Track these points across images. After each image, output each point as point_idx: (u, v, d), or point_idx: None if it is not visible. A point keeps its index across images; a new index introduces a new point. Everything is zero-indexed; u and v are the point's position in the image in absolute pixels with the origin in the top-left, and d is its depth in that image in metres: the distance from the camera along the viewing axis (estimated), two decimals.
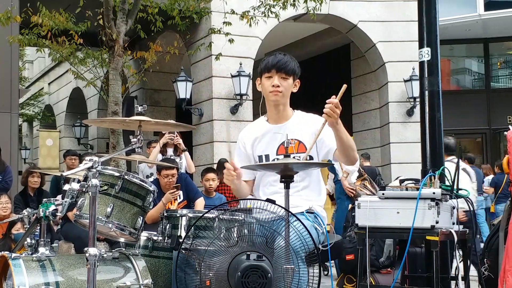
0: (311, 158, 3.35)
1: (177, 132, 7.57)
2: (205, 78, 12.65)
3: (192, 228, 3.32)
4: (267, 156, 3.40)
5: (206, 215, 3.31)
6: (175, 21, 9.73)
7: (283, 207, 2.92)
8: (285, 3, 9.30)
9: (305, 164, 3.25)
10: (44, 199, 3.52)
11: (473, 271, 4.35)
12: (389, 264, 6.06)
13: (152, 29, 9.58)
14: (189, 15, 10.35)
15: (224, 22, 9.71)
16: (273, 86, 3.32)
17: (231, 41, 9.86)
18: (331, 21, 13.59)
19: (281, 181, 3.03)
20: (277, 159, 3.34)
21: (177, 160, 7.42)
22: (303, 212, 3.30)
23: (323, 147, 3.36)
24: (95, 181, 2.90)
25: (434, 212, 3.69)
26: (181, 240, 3.39)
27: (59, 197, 4.66)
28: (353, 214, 4.76)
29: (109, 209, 3.26)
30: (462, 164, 6.56)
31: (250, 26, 9.68)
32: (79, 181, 3.10)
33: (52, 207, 3.39)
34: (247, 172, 3.46)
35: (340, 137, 3.17)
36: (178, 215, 3.60)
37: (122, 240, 3.61)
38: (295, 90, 3.43)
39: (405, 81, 13.07)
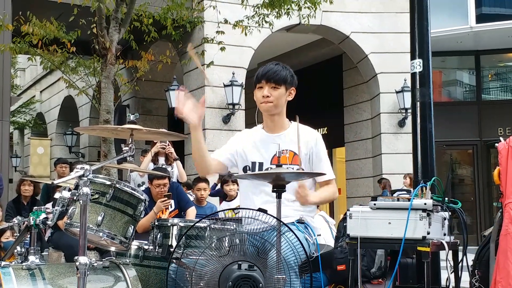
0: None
1: (168, 141, 7.55)
2: (198, 87, 12.66)
3: (183, 237, 3.31)
4: (261, 164, 3.40)
5: (197, 224, 3.30)
6: (168, 30, 9.74)
7: (275, 217, 2.91)
8: (279, 12, 9.32)
9: (296, 174, 3.25)
10: (34, 207, 3.50)
11: (464, 282, 4.35)
12: (380, 275, 6.05)
13: (146, 38, 9.59)
14: (182, 25, 10.36)
15: (217, 31, 9.73)
16: (263, 96, 3.34)
17: (222, 49, 9.87)
18: (323, 32, 13.65)
19: (273, 191, 3.03)
20: (271, 168, 3.33)
21: (169, 169, 7.40)
22: (293, 222, 3.29)
23: (316, 162, 3.40)
24: (86, 190, 2.88)
25: (425, 223, 3.69)
26: (172, 250, 3.38)
27: (49, 205, 4.63)
28: (344, 224, 4.76)
29: (100, 218, 3.24)
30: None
31: (246, 35, 9.69)
32: (70, 190, 3.08)
33: (43, 216, 3.37)
34: (224, 156, 3.48)
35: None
36: (169, 224, 3.59)
37: (112, 249, 3.59)
38: (290, 98, 3.42)
39: (397, 92, 13.12)
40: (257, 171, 3.40)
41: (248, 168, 3.45)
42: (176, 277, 3.20)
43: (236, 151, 3.50)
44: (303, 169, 3.35)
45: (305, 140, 3.40)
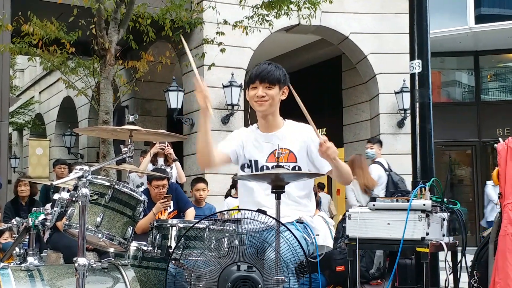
0: (299, 168, 3.35)
1: (167, 142, 7.55)
2: None
3: (182, 238, 3.31)
4: (256, 162, 3.40)
5: (196, 225, 3.30)
6: (167, 31, 9.74)
7: (273, 218, 2.91)
8: (279, 12, 9.31)
9: (296, 174, 3.25)
10: (33, 208, 3.49)
11: (463, 283, 4.35)
12: (379, 276, 6.05)
13: (145, 39, 9.59)
14: (181, 25, 10.36)
15: (217, 32, 9.72)
16: (257, 96, 3.34)
17: (222, 50, 9.87)
18: (322, 32, 13.65)
19: (272, 192, 3.03)
20: (266, 167, 3.34)
21: (168, 170, 7.40)
22: (293, 222, 3.29)
23: (317, 161, 3.36)
24: (85, 191, 2.88)
25: (424, 223, 3.69)
26: (171, 251, 3.38)
27: (48, 206, 4.63)
28: (343, 225, 4.76)
29: (98, 219, 3.24)
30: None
31: (247, 35, 9.68)
32: (68, 191, 3.08)
33: (42, 217, 3.37)
34: (230, 148, 3.45)
35: (337, 167, 3.21)
36: (168, 225, 3.59)
37: (111, 250, 3.59)
38: (283, 97, 3.43)
39: (396, 93, 13.12)
40: (254, 171, 3.39)
41: (247, 166, 3.45)
42: (175, 279, 3.19)
43: (241, 145, 3.47)
44: (299, 167, 3.34)
45: (300, 138, 3.39)
